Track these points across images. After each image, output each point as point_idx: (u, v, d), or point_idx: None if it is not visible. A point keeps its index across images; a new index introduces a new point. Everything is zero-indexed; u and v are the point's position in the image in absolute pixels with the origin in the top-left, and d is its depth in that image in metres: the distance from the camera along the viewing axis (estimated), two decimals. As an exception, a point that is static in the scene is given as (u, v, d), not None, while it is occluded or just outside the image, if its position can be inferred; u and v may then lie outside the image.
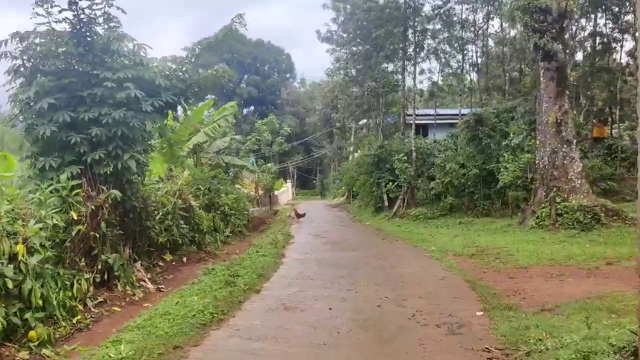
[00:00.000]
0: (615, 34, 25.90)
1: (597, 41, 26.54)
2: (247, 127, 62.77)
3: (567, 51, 18.40)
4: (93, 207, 8.83)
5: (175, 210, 13.25)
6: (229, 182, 22.68)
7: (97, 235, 8.84)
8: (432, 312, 7.55)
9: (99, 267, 8.78)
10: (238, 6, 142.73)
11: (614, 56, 27.10)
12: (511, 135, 17.21)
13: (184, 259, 13.01)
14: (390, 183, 27.02)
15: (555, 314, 7.19)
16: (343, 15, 34.14)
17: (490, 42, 33.23)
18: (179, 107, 11.12)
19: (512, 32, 29.76)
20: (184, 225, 13.36)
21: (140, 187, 11.44)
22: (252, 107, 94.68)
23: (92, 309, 7.98)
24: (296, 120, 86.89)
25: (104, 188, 9.33)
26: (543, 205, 16.09)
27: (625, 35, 25.37)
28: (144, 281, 10.04)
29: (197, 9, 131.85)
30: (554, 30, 15.81)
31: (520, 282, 9.71)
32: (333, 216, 31.74)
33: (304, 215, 27.02)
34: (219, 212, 16.94)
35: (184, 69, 10.88)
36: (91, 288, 8.27)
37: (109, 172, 9.33)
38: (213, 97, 24.26)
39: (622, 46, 26.16)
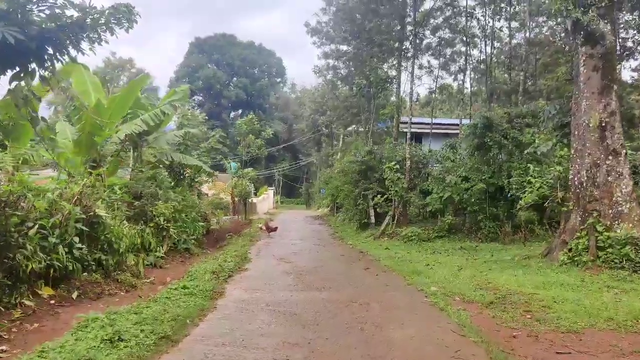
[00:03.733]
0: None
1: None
2: (235, 131, 59.36)
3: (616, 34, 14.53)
4: None
5: (69, 223, 9.17)
6: (185, 186, 18.61)
7: None
8: None
9: None
10: (238, 11, 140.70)
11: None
12: (536, 142, 13.30)
13: (74, 294, 8.90)
14: (379, 196, 23.05)
15: None
16: (335, 3, 30.31)
17: (496, 44, 29.64)
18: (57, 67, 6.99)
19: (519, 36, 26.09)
20: (80, 245, 9.23)
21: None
22: (239, 111, 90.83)
23: None
24: (284, 126, 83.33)
25: None
26: (578, 234, 12.19)
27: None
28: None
29: (199, 11, 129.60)
30: (602, 4, 11.98)
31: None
32: (311, 231, 27.64)
33: (275, 229, 23.02)
34: (151, 225, 12.86)
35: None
36: None
37: None
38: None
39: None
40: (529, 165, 13.68)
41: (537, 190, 12.56)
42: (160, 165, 15.84)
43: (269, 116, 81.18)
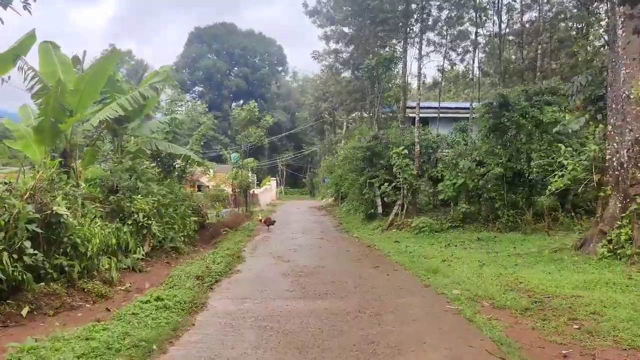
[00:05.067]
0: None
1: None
2: (233, 119, 57.81)
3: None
4: None
5: (18, 224, 7.60)
6: (174, 178, 17.03)
7: None
8: None
9: None
10: (245, 3, 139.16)
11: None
12: (565, 119, 11.56)
13: (24, 310, 7.35)
14: (386, 184, 21.40)
15: None
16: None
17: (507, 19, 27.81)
18: None
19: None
20: (31, 251, 7.66)
21: None
22: (241, 101, 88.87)
23: None
24: (287, 115, 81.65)
25: None
26: (619, 223, 10.55)
27: None
28: None
29: (204, 4, 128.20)
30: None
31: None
32: (314, 223, 26.04)
33: (273, 223, 21.48)
34: (129, 223, 11.28)
35: None
36: None
37: None
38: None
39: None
40: (560, 145, 11.95)
41: (571, 173, 10.91)
42: (141, 155, 14.23)
43: (271, 105, 79.44)
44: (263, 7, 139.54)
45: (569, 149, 11.19)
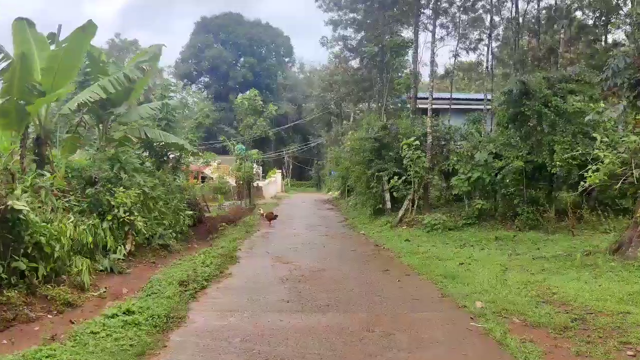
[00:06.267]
0: None
1: None
2: (237, 108, 56.93)
3: None
4: None
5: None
6: (166, 169, 15.81)
7: None
8: None
9: None
10: None
11: None
12: (601, 106, 10.20)
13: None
14: (396, 177, 20.08)
15: None
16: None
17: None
18: None
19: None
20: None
21: None
22: (247, 92, 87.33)
23: None
24: (293, 107, 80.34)
25: None
26: (664, 224, 9.22)
27: None
28: None
29: None
30: None
31: None
32: (319, 217, 24.78)
33: (275, 217, 20.30)
34: (109, 219, 10.05)
35: None
36: None
37: None
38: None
39: None
40: (595, 135, 10.57)
41: (606, 167, 9.56)
42: (127, 143, 12.98)
43: (277, 97, 78.02)
44: (272, 0, 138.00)
45: (604, 139, 9.83)
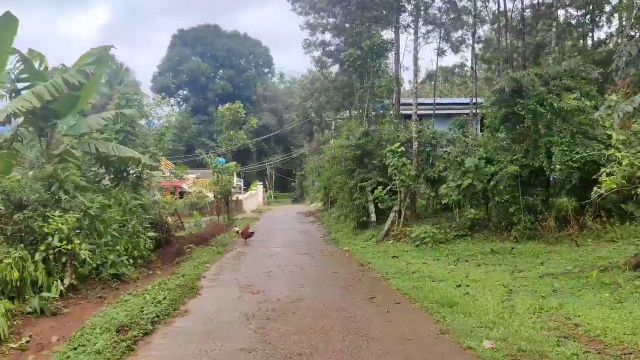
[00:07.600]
0: None
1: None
2: (217, 119, 55.71)
3: None
4: None
5: None
6: (123, 186, 14.17)
7: None
8: None
9: None
10: (233, 7, 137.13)
11: None
12: (612, 98, 8.89)
13: None
14: (380, 187, 18.65)
15: None
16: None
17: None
18: None
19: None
20: None
21: None
22: (227, 104, 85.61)
23: None
24: (274, 118, 78.92)
25: None
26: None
27: None
28: None
29: (195, 9, 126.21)
30: None
31: None
32: (299, 233, 23.19)
33: (251, 235, 18.73)
34: (42, 249, 8.43)
35: None
36: None
37: None
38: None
39: None
40: (609, 133, 9.22)
41: (623, 171, 8.18)
42: (70, 159, 11.34)
43: (258, 108, 76.56)
44: (252, 12, 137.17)
45: (620, 137, 8.49)
